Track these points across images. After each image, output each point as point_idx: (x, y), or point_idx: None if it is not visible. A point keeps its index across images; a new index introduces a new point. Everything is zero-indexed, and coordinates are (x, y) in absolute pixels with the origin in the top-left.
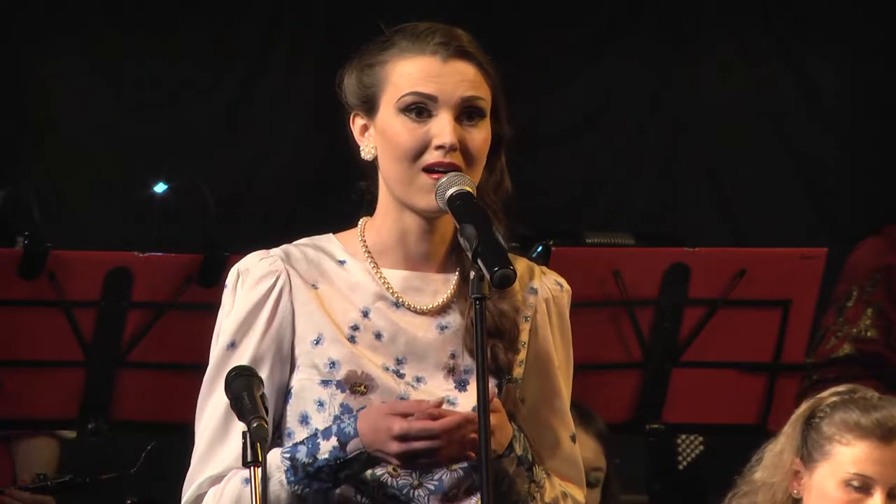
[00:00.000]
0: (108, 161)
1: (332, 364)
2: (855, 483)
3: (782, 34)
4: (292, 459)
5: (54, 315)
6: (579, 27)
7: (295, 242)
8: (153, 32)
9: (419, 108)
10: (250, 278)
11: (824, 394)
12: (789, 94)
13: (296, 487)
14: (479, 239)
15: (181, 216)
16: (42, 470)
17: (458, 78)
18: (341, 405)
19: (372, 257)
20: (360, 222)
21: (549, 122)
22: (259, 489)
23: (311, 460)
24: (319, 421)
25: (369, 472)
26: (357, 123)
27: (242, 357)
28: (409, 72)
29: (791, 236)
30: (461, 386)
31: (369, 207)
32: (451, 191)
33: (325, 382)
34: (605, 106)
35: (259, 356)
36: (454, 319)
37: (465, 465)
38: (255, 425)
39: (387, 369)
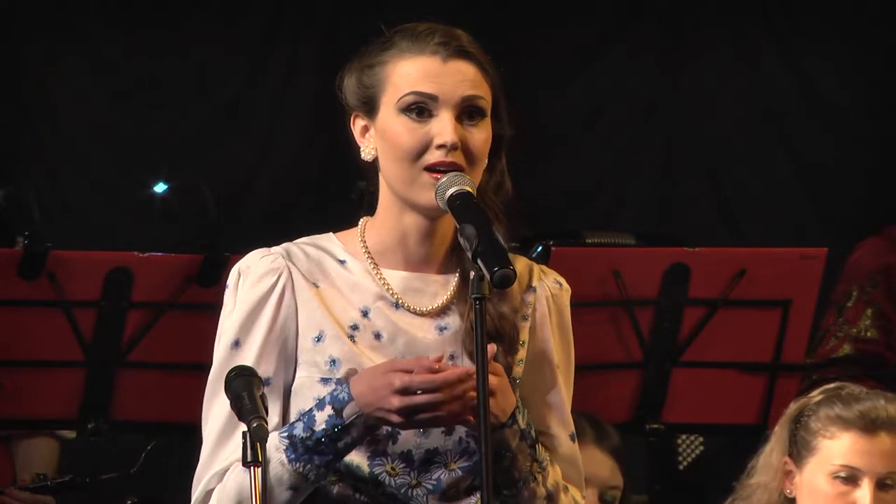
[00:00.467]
0: (108, 161)
1: (333, 362)
2: (842, 475)
3: (782, 34)
4: (290, 437)
5: (54, 315)
6: (579, 27)
7: (295, 241)
8: (153, 32)
9: (420, 108)
10: (252, 276)
11: (812, 393)
12: (789, 94)
13: (297, 465)
14: (479, 239)
15: (181, 216)
16: (42, 470)
17: (459, 77)
18: None
19: (372, 258)
20: (360, 222)
21: (549, 123)
22: (259, 489)
23: (308, 434)
24: None
25: (367, 470)
26: (357, 125)
27: (247, 355)
28: (409, 72)
29: (791, 236)
30: None
31: (369, 207)
32: (451, 191)
33: (325, 380)
34: (604, 106)
35: (264, 354)
36: (453, 321)
37: (464, 464)
38: (255, 425)
39: None
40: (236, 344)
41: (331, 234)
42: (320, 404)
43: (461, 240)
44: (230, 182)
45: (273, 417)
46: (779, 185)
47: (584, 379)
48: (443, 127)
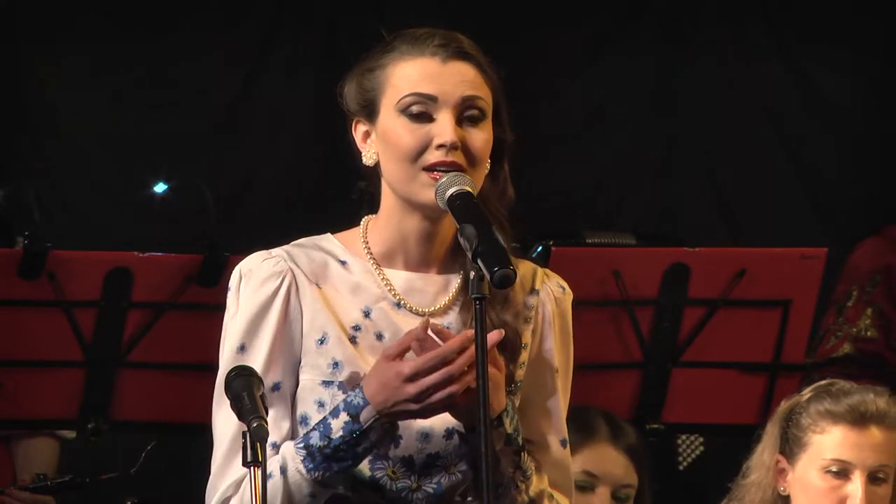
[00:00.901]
0: (108, 161)
1: (335, 364)
2: (834, 469)
3: (782, 34)
4: (307, 447)
5: (54, 315)
6: (579, 27)
7: (295, 242)
8: (153, 32)
9: (419, 109)
10: (254, 279)
11: (803, 391)
12: (789, 94)
13: (316, 474)
14: (479, 239)
15: (181, 216)
16: (42, 470)
17: (458, 78)
18: None
19: (374, 258)
20: (362, 221)
21: (549, 123)
22: (259, 489)
23: (325, 442)
24: (317, 421)
25: (368, 473)
26: (359, 130)
27: (254, 360)
28: (409, 73)
29: (791, 236)
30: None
31: (369, 207)
32: (451, 191)
33: (327, 383)
34: (605, 106)
35: (273, 360)
36: (455, 321)
37: (464, 468)
38: (255, 425)
39: None
40: (242, 349)
41: (329, 234)
42: (334, 412)
43: (461, 240)
44: (230, 182)
45: (285, 422)
46: (779, 185)
47: (584, 379)
48: (442, 127)
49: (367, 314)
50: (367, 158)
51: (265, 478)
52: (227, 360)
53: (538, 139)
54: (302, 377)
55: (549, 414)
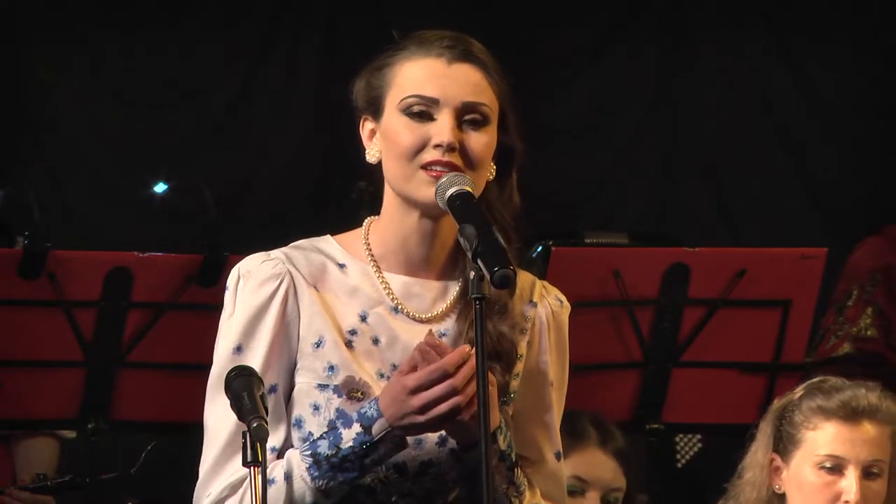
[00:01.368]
0: (108, 161)
1: (331, 368)
2: (827, 464)
3: (782, 34)
4: (314, 455)
5: (54, 315)
6: (579, 27)
7: (294, 244)
8: (153, 32)
9: (421, 110)
10: (253, 281)
11: (796, 389)
12: (789, 94)
13: (320, 482)
14: (479, 239)
15: (181, 216)
16: (42, 470)
17: (462, 81)
18: (337, 410)
19: (374, 260)
20: (364, 222)
21: (549, 123)
22: (259, 489)
23: (334, 451)
24: (313, 425)
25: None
26: (366, 128)
27: (251, 362)
28: (414, 73)
29: (791, 236)
30: None
31: (369, 207)
32: (451, 191)
33: (323, 387)
34: (605, 106)
35: (269, 362)
36: (452, 328)
37: (455, 476)
38: (255, 425)
39: (381, 375)
40: (238, 349)
41: (329, 236)
42: (347, 422)
43: (461, 240)
44: (230, 182)
45: (281, 426)
46: (779, 185)
47: (584, 379)
48: (441, 128)
49: (363, 318)
50: (371, 156)
51: (265, 478)
52: (222, 360)
53: (538, 139)
54: (298, 380)
55: (544, 426)
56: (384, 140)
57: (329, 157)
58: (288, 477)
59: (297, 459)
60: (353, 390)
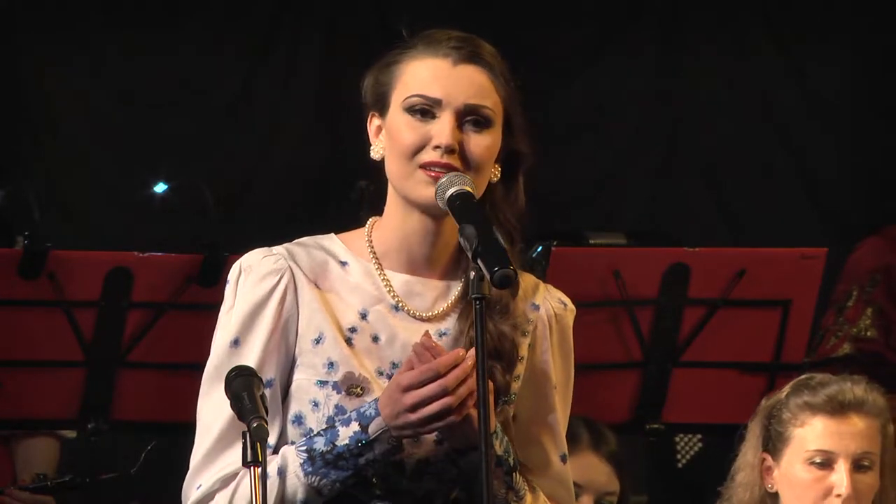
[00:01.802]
0: (108, 161)
1: (331, 365)
2: (817, 459)
3: (782, 34)
4: (309, 451)
5: (54, 315)
6: (579, 27)
7: (297, 241)
8: (153, 32)
9: (423, 110)
10: (253, 275)
11: (783, 388)
12: (789, 94)
13: (312, 479)
14: (479, 239)
15: (181, 216)
16: (42, 470)
17: (466, 82)
18: (336, 406)
19: (377, 258)
20: (368, 222)
21: (549, 123)
22: (259, 489)
23: (329, 448)
24: (313, 421)
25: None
26: (373, 124)
27: (248, 356)
28: (419, 73)
29: (791, 236)
30: None
31: (369, 207)
32: (451, 191)
33: (322, 383)
34: (605, 106)
35: (266, 356)
36: (453, 327)
37: (454, 475)
38: (255, 425)
39: (381, 373)
40: (236, 343)
41: (333, 235)
42: (345, 420)
43: (461, 240)
44: (230, 182)
45: (276, 420)
46: (779, 185)
47: (584, 379)
48: (441, 129)
49: (363, 316)
50: (375, 152)
51: (265, 478)
52: (219, 352)
53: (538, 139)
54: (297, 376)
55: (548, 429)
56: (388, 137)
57: (329, 157)
58: (281, 472)
59: (292, 455)
60: (352, 386)
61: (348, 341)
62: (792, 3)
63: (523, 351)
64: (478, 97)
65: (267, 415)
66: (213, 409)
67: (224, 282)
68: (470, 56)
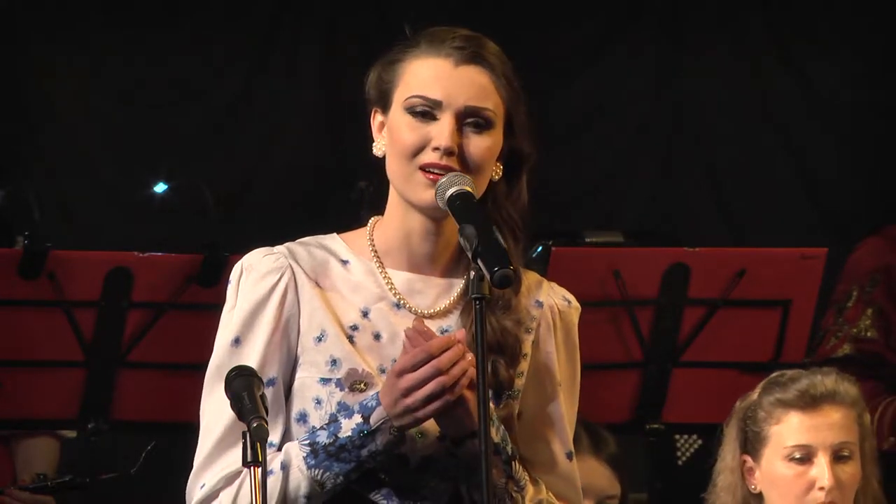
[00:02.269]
0: (108, 161)
1: (334, 362)
2: (797, 455)
3: (782, 34)
4: (312, 444)
5: (54, 315)
6: (579, 27)
7: (299, 241)
8: (153, 32)
9: (424, 110)
10: (254, 274)
11: (755, 388)
12: (789, 93)
13: (315, 472)
14: (479, 239)
15: (181, 216)
16: (42, 470)
17: (467, 84)
18: (339, 403)
19: (378, 257)
20: (370, 221)
21: (549, 122)
22: (259, 489)
23: (332, 440)
24: (316, 419)
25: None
26: (376, 120)
27: (250, 355)
28: (421, 73)
29: (791, 236)
30: None
31: (369, 207)
32: (451, 191)
33: (325, 380)
34: (605, 106)
35: (268, 354)
36: (455, 326)
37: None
38: (255, 425)
39: (383, 371)
40: (237, 341)
41: (335, 234)
42: (348, 413)
43: (461, 240)
44: (230, 182)
45: (280, 419)
46: (779, 185)
47: (584, 379)
48: (440, 130)
49: (365, 314)
50: (377, 149)
51: (265, 478)
52: (221, 351)
53: (538, 139)
54: (300, 374)
55: (553, 426)
56: (388, 136)
57: (329, 157)
58: (285, 467)
59: (295, 450)
60: (356, 382)
61: (350, 339)
62: (792, 4)
63: (527, 348)
64: (478, 99)
65: (267, 414)
66: (216, 409)
67: (224, 282)
68: (472, 57)
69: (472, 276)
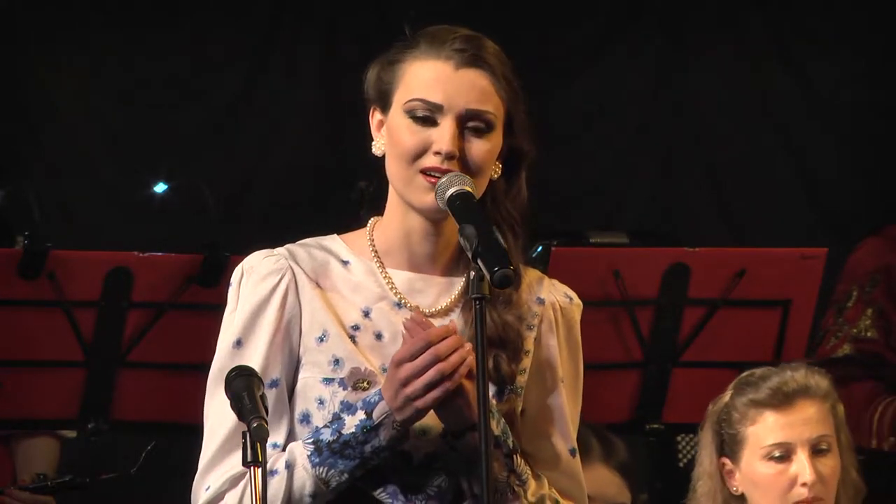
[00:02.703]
0: (108, 161)
1: (336, 361)
2: (776, 453)
3: (782, 34)
4: (316, 442)
5: (54, 315)
6: (579, 27)
7: (299, 242)
8: (153, 32)
9: (424, 114)
10: (255, 276)
11: (726, 390)
12: (789, 93)
13: (320, 470)
14: (478, 239)
15: (181, 216)
16: (42, 470)
17: (468, 87)
18: (342, 402)
19: (378, 257)
20: (370, 222)
21: (549, 123)
22: (259, 489)
23: (335, 437)
24: (319, 419)
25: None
26: (375, 118)
27: (252, 356)
28: (421, 75)
29: (791, 236)
30: None
31: (369, 207)
32: (451, 191)
33: (328, 380)
34: (605, 106)
35: (270, 356)
36: (457, 323)
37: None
38: (255, 425)
39: (385, 370)
40: (238, 343)
41: (335, 235)
42: (351, 410)
43: (461, 240)
44: (230, 182)
45: (284, 419)
46: (779, 185)
47: (584, 378)
48: (441, 135)
49: (366, 314)
50: (377, 148)
51: (265, 478)
52: (223, 354)
53: (538, 139)
54: (302, 374)
55: (556, 422)
56: (388, 137)
57: (329, 157)
58: (289, 466)
59: (299, 449)
60: (359, 381)
61: (352, 339)
62: (792, 3)
63: (529, 345)
64: (479, 102)
65: (268, 414)
66: (219, 411)
67: (224, 282)
68: (472, 59)
69: (471, 277)
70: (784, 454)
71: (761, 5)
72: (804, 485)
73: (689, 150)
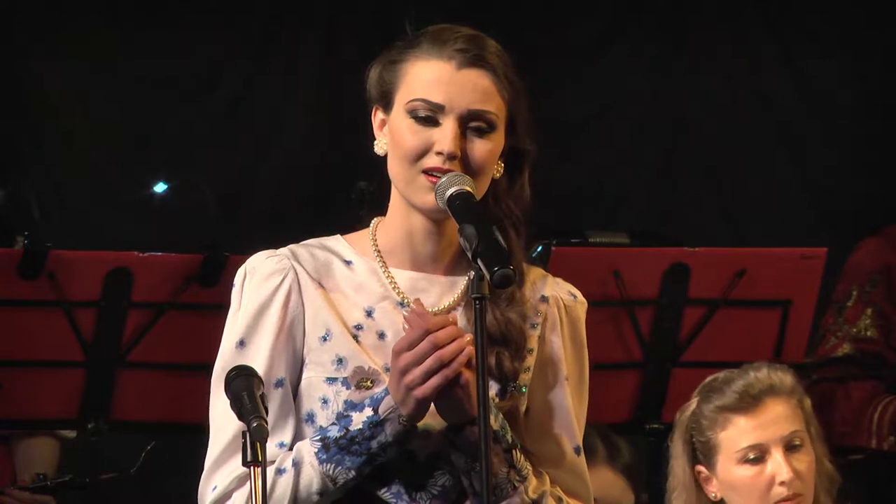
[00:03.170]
0: (108, 161)
1: (340, 361)
2: (751, 456)
3: (782, 34)
4: (323, 440)
5: (54, 315)
6: (579, 27)
7: (302, 242)
8: (153, 31)
9: (426, 114)
10: (257, 276)
11: (690, 400)
12: (789, 94)
13: (327, 467)
14: (478, 239)
15: (181, 216)
16: (42, 470)
17: (469, 88)
18: (345, 401)
19: (381, 257)
20: (372, 222)
21: (549, 122)
22: (259, 489)
23: (342, 433)
24: (323, 418)
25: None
26: (377, 117)
27: (255, 357)
28: (423, 76)
29: (791, 236)
30: None
31: (369, 208)
32: (450, 191)
33: (331, 380)
34: (605, 106)
35: (274, 356)
36: (459, 322)
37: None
38: (255, 425)
39: (388, 369)
40: (242, 344)
41: (338, 235)
42: (359, 407)
43: (461, 240)
44: (230, 182)
45: (290, 419)
46: (779, 185)
47: None
48: (443, 135)
49: (369, 314)
50: (379, 147)
51: (265, 478)
52: (226, 354)
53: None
54: (306, 374)
55: (560, 420)
56: (390, 137)
57: (329, 157)
58: (296, 464)
59: (306, 447)
60: (362, 380)
61: (355, 338)
62: (792, 3)
63: (533, 343)
64: (481, 102)
65: (269, 414)
66: (224, 411)
67: (224, 282)
68: (474, 60)
69: (472, 277)
70: (759, 455)
71: (761, 5)
72: (782, 483)
73: (688, 150)
